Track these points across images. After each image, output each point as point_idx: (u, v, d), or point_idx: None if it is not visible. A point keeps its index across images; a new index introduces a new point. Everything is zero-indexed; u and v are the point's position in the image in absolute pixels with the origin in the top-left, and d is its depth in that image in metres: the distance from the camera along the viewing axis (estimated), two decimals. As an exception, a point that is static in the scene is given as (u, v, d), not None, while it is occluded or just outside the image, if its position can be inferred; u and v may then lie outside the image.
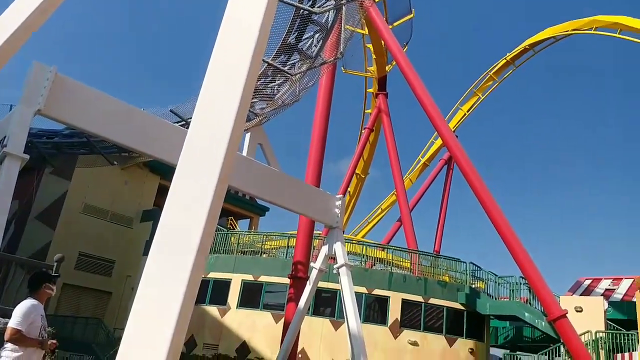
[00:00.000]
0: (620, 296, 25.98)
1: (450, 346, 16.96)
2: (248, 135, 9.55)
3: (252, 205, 31.30)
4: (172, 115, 11.12)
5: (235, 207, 29.50)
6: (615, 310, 22.03)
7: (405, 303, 17.21)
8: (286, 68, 7.89)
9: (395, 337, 16.76)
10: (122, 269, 24.77)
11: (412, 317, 17.26)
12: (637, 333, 14.49)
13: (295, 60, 8.26)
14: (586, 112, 76.85)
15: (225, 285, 18.05)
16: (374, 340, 16.14)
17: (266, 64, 7.61)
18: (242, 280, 17.90)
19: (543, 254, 77.24)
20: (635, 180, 68.54)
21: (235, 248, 19.54)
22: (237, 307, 17.59)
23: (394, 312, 17.04)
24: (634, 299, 15.50)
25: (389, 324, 16.85)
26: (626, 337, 15.02)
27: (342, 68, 26.93)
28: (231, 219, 28.91)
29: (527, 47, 28.08)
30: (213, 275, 18.35)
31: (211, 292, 18.13)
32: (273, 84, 8.32)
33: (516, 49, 28.60)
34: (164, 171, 25.62)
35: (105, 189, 25.05)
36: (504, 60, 29.19)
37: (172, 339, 2.17)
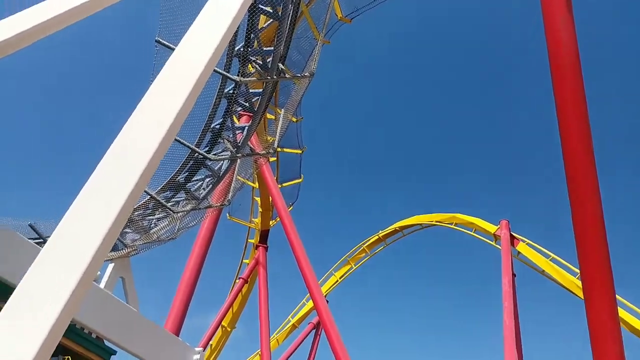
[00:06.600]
0: None
1: None
2: (111, 266, 8.80)
3: (98, 346, 27.46)
4: (30, 230, 10.04)
5: (77, 345, 25.59)
6: None
7: None
8: (169, 204, 7.77)
9: None
10: None
11: None
12: None
13: (180, 199, 8.21)
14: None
15: None
16: None
17: (148, 196, 7.46)
18: None
19: None
20: None
21: (63, 396, 16.50)
22: None
23: None
24: None
25: None
26: None
27: (228, 214, 27.14)
28: (67, 359, 24.85)
29: (397, 228, 30.93)
30: None
31: None
32: (152, 217, 8.06)
33: (388, 229, 31.32)
34: (4, 291, 21.98)
35: None
36: (377, 237, 31.60)
37: None
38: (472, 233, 26.32)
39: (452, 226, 27.36)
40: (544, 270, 22.53)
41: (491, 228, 24.78)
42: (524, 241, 23.57)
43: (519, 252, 23.73)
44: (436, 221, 28.46)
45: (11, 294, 2.36)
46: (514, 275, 22.47)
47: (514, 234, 23.89)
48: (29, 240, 8.19)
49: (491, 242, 24.93)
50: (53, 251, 2.58)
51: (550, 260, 22.24)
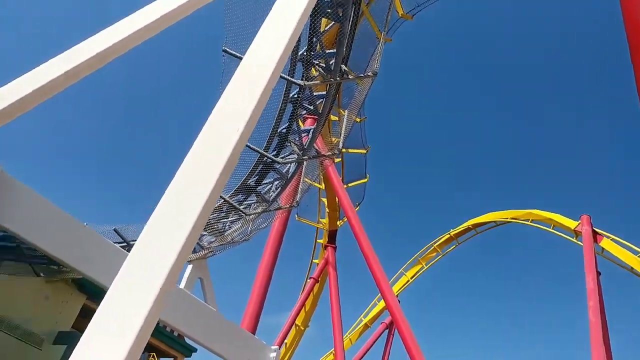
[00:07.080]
0: None
1: None
2: (190, 267, 9.24)
3: (179, 343, 28.90)
4: (114, 234, 10.75)
5: (161, 342, 27.10)
6: None
7: None
8: (242, 207, 8.07)
9: None
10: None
11: None
12: None
13: (251, 202, 8.49)
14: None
15: None
16: None
17: (222, 200, 7.78)
18: None
19: None
20: None
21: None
22: None
23: None
24: None
25: None
26: None
27: (296, 216, 27.60)
28: (153, 356, 26.39)
29: (470, 226, 29.99)
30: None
31: None
32: (226, 220, 8.41)
33: (460, 227, 30.46)
34: (93, 292, 23.69)
35: (19, 300, 22.67)
36: (448, 235, 30.82)
37: None
38: (550, 229, 24.97)
39: (529, 223, 26.11)
40: (632, 268, 20.94)
41: (571, 224, 23.39)
42: (608, 237, 22.04)
43: (603, 249, 22.22)
44: (511, 218, 27.28)
45: (104, 294, 2.57)
46: (598, 273, 21.02)
47: (596, 230, 22.40)
48: (115, 244, 8.78)
49: (571, 239, 23.53)
50: (139, 255, 2.77)
51: (639, 256, 20.64)
